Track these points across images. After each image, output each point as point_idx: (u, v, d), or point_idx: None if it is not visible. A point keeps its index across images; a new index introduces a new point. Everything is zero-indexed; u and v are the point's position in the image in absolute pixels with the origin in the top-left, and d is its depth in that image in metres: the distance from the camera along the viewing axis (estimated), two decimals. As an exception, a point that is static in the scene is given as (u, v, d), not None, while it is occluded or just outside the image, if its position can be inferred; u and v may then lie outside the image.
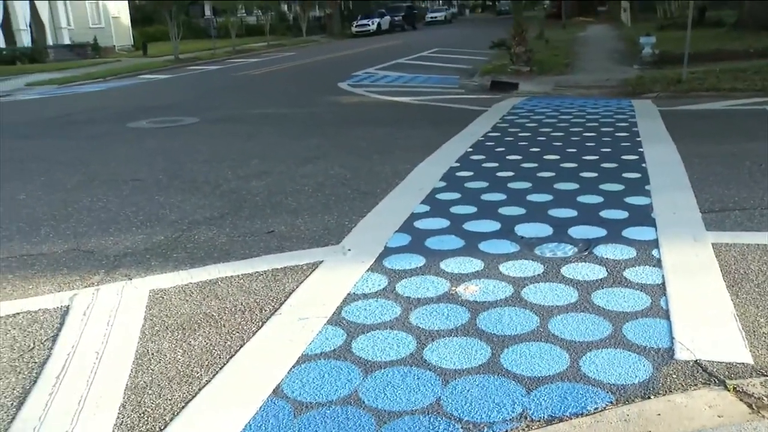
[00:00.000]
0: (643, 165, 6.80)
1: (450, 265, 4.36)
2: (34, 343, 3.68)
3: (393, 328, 3.56)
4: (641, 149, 7.54)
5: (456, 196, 5.98)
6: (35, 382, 3.28)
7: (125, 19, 43.11)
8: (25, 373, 3.37)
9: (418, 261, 4.46)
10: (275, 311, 3.86)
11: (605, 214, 5.26)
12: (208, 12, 52.30)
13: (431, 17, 65.26)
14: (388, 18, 52.19)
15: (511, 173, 6.70)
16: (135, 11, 45.12)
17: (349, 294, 4.01)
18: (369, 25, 49.76)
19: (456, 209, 5.56)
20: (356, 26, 50.13)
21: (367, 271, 4.35)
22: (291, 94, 16.01)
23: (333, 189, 6.52)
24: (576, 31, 32.20)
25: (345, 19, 55.11)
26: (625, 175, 6.44)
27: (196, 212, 5.95)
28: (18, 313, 4.07)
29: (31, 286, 4.50)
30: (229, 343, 3.54)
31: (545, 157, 7.37)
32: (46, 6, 34.78)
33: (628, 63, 17.47)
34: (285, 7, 54.54)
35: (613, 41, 25.14)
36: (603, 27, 34.43)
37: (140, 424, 2.89)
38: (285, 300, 4.00)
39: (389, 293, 4.00)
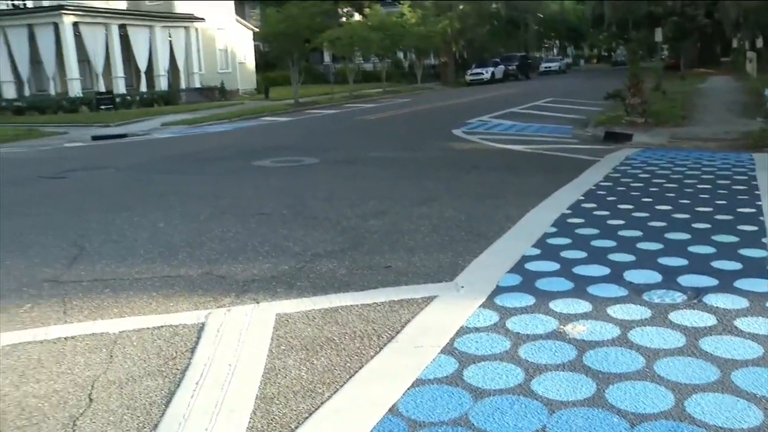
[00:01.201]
0: (761, 218, 6.71)
1: (558, 305, 4.52)
2: (176, 353, 4.11)
3: (502, 360, 3.76)
4: (759, 202, 7.42)
5: (566, 241, 6.12)
6: (179, 385, 3.68)
7: (250, 64, 45.55)
8: (170, 377, 3.79)
9: (528, 300, 4.65)
10: (392, 339, 4.15)
11: (717, 264, 5.27)
12: (327, 59, 54.32)
13: (545, 67, 65.30)
14: (502, 67, 52.62)
15: (621, 221, 6.77)
16: (259, 57, 47.60)
17: (461, 327, 4.24)
18: (483, 73, 50.32)
19: (566, 254, 5.71)
20: (470, 75, 50.79)
21: (479, 307, 4.58)
22: (406, 138, 16.51)
23: (447, 230, 6.79)
24: (695, 82, 31.48)
25: (459, 68, 55.99)
26: (740, 227, 6.39)
27: (318, 246, 6.36)
28: (162, 326, 4.53)
29: (171, 304, 4.98)
30: (349, 364, 3.84)
31: (657, 207, 7.39)
32: (183, 54, 37.27)
33: (751, 115, 16.97)
34: (401, 55, 56.00)
35: (734, 93, 24.44)
36: (725, 78, 33.47)
37: (269, 430, 3.21)
38: (401, 329, 4.28)
39: (499, 328, 4.21)
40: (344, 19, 49.04)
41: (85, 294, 5.31)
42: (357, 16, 50.51)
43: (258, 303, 4.90)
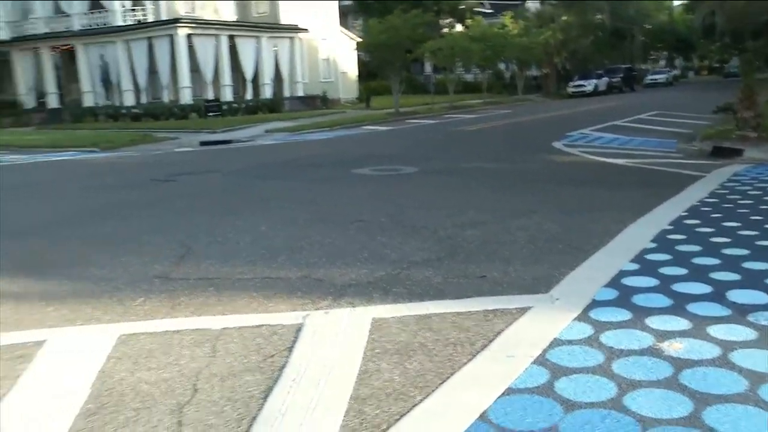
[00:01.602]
0: None
1: (655, 322, 4.44)
2: (275, 351, 4.29)
3: (595, 374, 3.74)
4: None
5: (666, 257, 5.97)
6: (276, 381, 3.84)
7: (352, 74, 46.40)
8: (269, 373, 3.96)
9: (624, 315, 4.58)
10: (485, 347, 4.18)
11: (832, 288, 5.03)
12: (428, 69, 54.54)
13: (651, 79, 63.29)
14: (605, 79, 51.45)
15: (727, 239, 6.54)
16: (361, 67, 48.38)
17: (555, 339, 4.23)
18: (585, 85, 49.35)
19: (665, 270, 5.57)
20: (572, 87, 49.91)
21: (574, 320, 4.55)
22: (505, 150, 16.44)
23: (544, 242, 6.75)
24: (816, 96, 29.80)
25: (561, 79, 55.07)
26: None
27: (415, 254, 6.45)
28: (261, 325, 4.73)
29: (271, 304, 5.19)
30: (441, 370, 3.90)
31: (767, 225, 7.09)
32: (287, 63, 38.39)
33: None
34: (502, 66, 55.64)
35: None
36: None
37: (361, 429, 3.31)
38: (494, 338, 4.31)
39: (593, 342, 4.17)
40: (446, 30, 49.22)
41: (191, 291, 5.59)
42: (458, 27, 50.59)
43: (354, 307, 5.04)
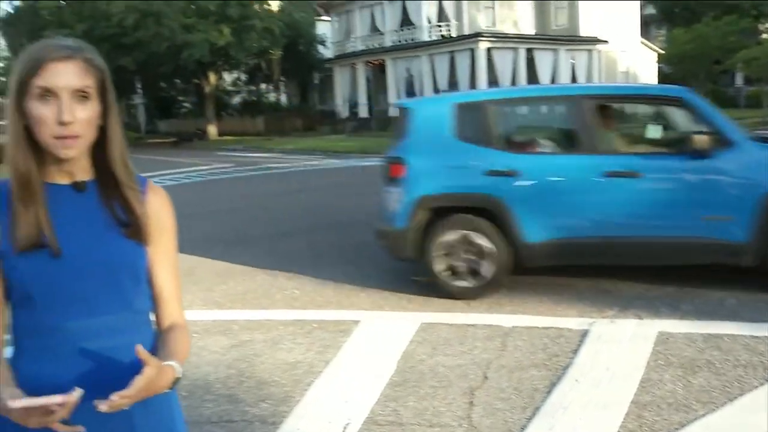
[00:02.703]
0: None
1: None
2: (560, 352, 4.58)
3: None
4: None
5: None
6: (560, 379, 4.14)
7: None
8: (553, 371, 4.27)
9: None
10: (778, 374, 4.08)
11: None
12: (739, 81, 50.26)
13: None
14: None
15: None
16: (662, 80, 46.01)
17: None
18: None
19: None
20: None
21: None
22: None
23: None
24: None
25: None
26: None
27: (702, 272, 6.26)
28: (549, 327, 5.05)
29: (559, 309, 5.48)
30: (728, 389, 3.90)
31: None
32: (584, 76, 37.99)
33: None
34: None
35: None
36: None
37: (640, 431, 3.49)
38: (790, 365, 4.17)
39: None
40: (764, 35, 44.92)
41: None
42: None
43: (641, 319, 5.14)
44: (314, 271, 7.02)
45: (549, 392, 3.98)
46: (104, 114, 1.48)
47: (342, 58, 41.05)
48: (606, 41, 38.28)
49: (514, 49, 35.39)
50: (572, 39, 37.58)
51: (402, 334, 5.06)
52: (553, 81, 36.61)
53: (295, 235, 9.12)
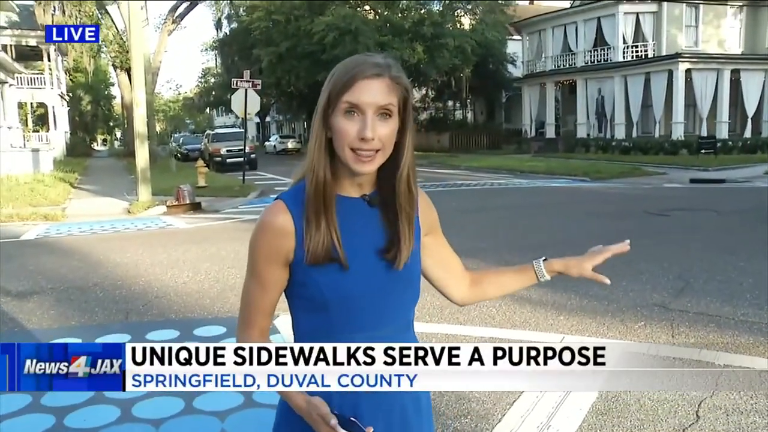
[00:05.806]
0: None
1: None
2: (784, 397, 4.21)
3: None
4: None
5: None
6: (786, 427, 3.80)
7: None
8: (777, 417, 3.93)
9: None
10: None
11: None
12: None
13: None
14: None
15: None
16: None
17: None
18: None
19: None
20: None
21: None
22: None
23: None
24: None
25: None
26: None
27: None
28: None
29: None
30: None
31: None
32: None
33: None
34: None
35: None
36: None
37: None
38: None
39: None
40: None
41: (690, 324, 5.74)
42: None
43: None
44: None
45: (773, 441, 3.67)
46: (400, 131, 1.52)
47: (531, 77, 40.66)
48: (826, 62, 34.96)
49: (718, 70, 33.26)
50: (786, 59, 34.68)
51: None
52: (760, 103, 34.02)
53: (488, 252, 9.10)
